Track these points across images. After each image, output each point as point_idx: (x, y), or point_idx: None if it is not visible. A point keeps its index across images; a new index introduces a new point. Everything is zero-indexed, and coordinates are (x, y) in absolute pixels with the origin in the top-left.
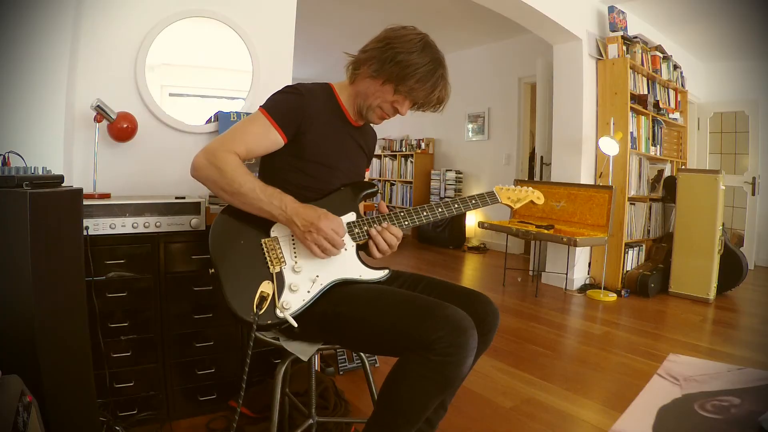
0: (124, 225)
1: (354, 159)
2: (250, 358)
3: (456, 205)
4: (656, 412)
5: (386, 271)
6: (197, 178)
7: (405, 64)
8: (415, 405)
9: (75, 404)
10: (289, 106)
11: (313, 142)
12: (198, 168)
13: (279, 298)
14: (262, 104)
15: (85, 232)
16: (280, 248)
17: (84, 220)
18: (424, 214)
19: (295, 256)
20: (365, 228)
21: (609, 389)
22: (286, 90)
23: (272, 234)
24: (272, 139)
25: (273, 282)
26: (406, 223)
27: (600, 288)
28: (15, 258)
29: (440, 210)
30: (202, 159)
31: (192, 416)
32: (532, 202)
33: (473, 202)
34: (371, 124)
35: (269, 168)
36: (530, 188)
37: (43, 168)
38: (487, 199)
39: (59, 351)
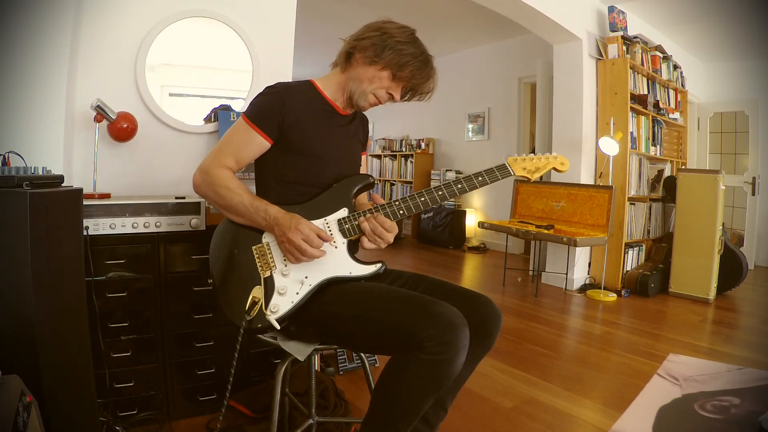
0: (124, 225)
1: (345, 148)
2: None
3: (459, 185)
4: (656, 412)
5: (379, 265)
6: (198, 195)
7: (403, 53)
8: (409, 403)
9: (75, 404)
10: (268, 107)
11: (298, 135)
12: (196, 186)
13: (269, 302)
14: (243, 110)
15: (85, 232)
16: (270, 253)
17: (84, 220)
18: (422, 199)
19: (285, 260)
20: (356, 223)
21: (609, 389)
22: (264, 92)
23: (263, 240)
24: (257, 143)
25: (262, 286)
26: (402, 211)
27: (600, 288)
28: (15, 258)
29: (440, 193)
30: (198, 177)
31: (192, 416)
32: (555, 169)
33: (479, 179)
34: (362, 112)
35: (263, 168)
36: (552, 154)
37: (43, 168)
38: (497, 173)
39: (59, 351)
